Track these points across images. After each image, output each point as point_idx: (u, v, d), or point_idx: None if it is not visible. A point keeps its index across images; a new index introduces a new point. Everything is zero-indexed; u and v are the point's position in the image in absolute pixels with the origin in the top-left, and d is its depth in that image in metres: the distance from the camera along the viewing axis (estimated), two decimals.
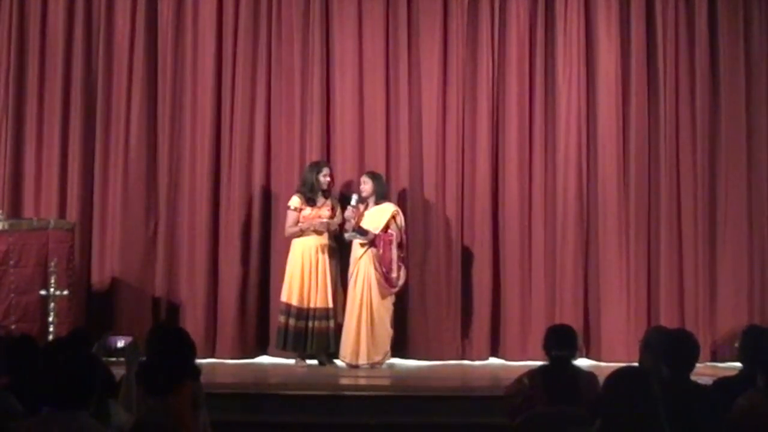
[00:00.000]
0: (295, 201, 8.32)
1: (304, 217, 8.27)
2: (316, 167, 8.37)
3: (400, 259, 8.31)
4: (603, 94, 8.98)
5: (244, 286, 8.74)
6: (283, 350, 8.30)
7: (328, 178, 8.36)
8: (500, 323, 8.86)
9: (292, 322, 8.15)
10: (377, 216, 8.31)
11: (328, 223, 8.26)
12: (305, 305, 8.17)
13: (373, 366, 8.16)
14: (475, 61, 9.00)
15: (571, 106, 8.94)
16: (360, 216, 8.31)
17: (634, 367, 3.81)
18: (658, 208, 8.92)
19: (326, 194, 8.39)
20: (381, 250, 8.20)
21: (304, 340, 8.18)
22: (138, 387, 4.40)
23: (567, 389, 4.32)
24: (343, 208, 8.39)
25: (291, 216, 8.31)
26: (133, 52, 8.89)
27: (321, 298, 8.20)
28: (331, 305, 8.24)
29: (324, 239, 8.30)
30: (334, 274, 8.37)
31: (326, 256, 8.29)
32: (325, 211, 8.33)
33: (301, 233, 8.24)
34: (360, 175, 8.55)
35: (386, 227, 8.25)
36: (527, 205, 8.93)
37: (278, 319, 8.26)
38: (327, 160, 8.75)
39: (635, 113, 8.95)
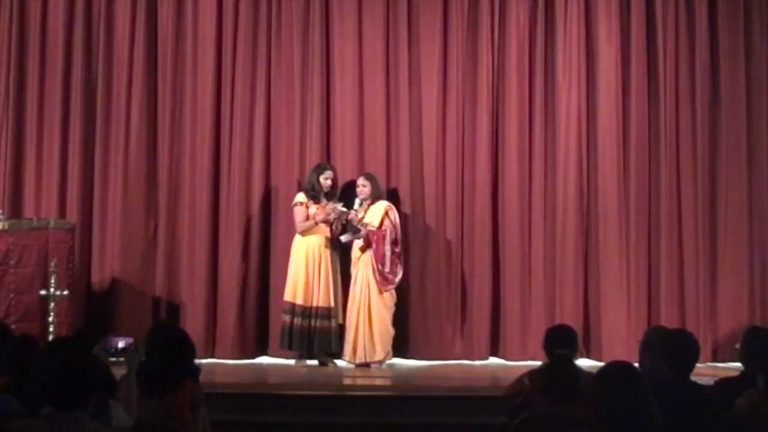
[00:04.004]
0: (300, 197, 8.33)
1: (311, 215, 8.28)
2: (318, 169, 8.39)
3: (395, 254, 8.33)
4: (603, 94, 8.98)
5: (244, 286, 8.74)
6: (288, 350, 8.29)
7: (329, 182, 8.36)
8: (500, 323, 8.87)
9: (297, 321, 8.14)
10: (374, 215, 8.34)
11: (342, 211, 8.25)
12: (309, 304, 8.17)
13: (374, 364, 8.17)
14: (475, 61, 9.01)
15: (571, 105, 8.95)
16: (362, 219, 8.34)
17: (623, 363, 3.81)
18: (659, 208, 8.92)
19: (328, 196, 8.39)
20: (374, 246, 8.23)
21: (308, 339, 8.18)
22: (138, 387, 4.40)
23: (567, 389, 4.30)
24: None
25: (300, 211, 8.29)
26: (133, 52, 8.89)
27: (324, 297, 8.20)
28: (332, 304, 8.24)
29: (327, 235, 8.30)
30: (336, 272, 8.37)
31: (329, 254, 8.29)
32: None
33: (315, 225, 8.24)
34: (359, 176, 8.57)
35: (381, 223, 8.28)
36: (527, 205, 8.93)
37: (282, 319, 8.24)
38: (327, 160, 8.75)
39: (635, 113, 8.95)
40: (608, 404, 3.49)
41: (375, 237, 8.27)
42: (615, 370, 3.66)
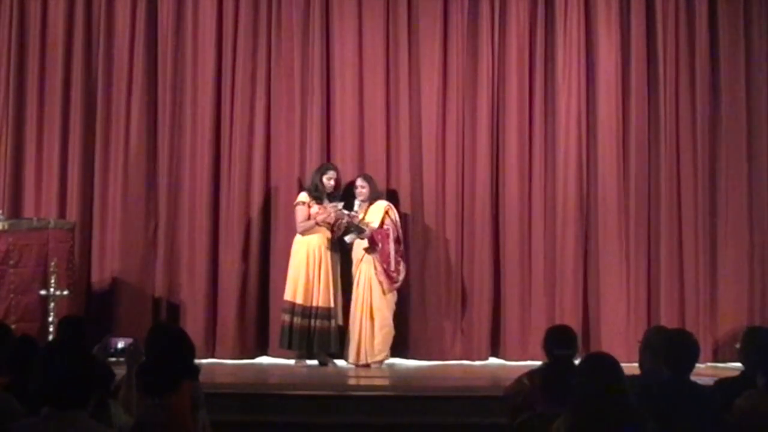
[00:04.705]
0: (303, 196, 8.34)
1: (312, 214, 8.28)
2: (321, 170, 8.40)
3: (399, 253, 8.37)
4: (603, 94, 8.99)
5: (244, 286, 8.74)
6: (288, 349, 8.29)
7: (332, 182, 8.37)
8: (500, 323, 8.87)
9: (297, 320, 8.14)
10: (373, 214, 8.36)
11: (343, 212, 8.24)
12: (309, 304, 8.17)
13: (374, 364, 8.18)
14: (475, 61, 9.01)
15: (571, 106, 8.95)
16: (362, 219, 8.35)
17: (604, 354, 3.83)
18: (659, 208, 8.93)
19: (331, 197, 8.38)
20: (380, 245, 8.23)
21: (308, 338, 8.18)
22: (138, 387, 4.39)
23: (567, 389, 4.31)
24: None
25: (301, 211, 8.29)
26: (133, 52, 8.89)
27: (323, 297, 8.20)
28: (332, 305, 8.24)
29: (328, 236, 8.29)
30: (336, 273, 8.37)
31: (329, 255, 8.29)
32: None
33: (316, 225, 8.23)
34: (356, 177, 8.58)
35: (381, 223, 8.29)
36: (527, 205, 8.93)
37: (282, 318, 8.24)
38: (327, 159, 8.75)
39: (635, 113, 8.96)
40: (587, 392, 3.53)
41: (379, 236, 8.28)
42: (596, 360, 3.69)
